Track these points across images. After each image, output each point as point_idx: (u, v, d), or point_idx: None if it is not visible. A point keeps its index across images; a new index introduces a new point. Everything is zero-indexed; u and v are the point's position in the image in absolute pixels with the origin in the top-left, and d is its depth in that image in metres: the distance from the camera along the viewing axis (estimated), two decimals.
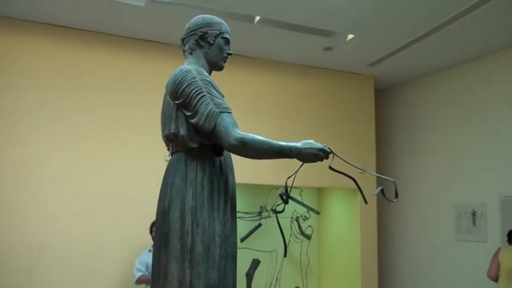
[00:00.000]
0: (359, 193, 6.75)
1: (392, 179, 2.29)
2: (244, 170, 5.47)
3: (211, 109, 2.10)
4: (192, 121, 2.13)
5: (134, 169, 5.23)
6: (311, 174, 6.06)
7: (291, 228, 7.12)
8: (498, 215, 5.44)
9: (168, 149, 2.42)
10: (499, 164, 5.57)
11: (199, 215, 2.11)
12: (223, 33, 2.38)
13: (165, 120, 2.26)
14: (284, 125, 6.01)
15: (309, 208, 2.21)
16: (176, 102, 2.18)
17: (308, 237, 7.14)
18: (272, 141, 2.07)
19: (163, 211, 2.17)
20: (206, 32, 2.34)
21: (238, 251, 6.63)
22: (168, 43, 5.50)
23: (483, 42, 5.56)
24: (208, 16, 2.41)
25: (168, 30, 5.19)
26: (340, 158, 2.17)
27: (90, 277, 4.90)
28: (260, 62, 6.03)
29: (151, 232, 4.79)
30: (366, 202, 2.30)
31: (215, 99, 2.14)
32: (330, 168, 2.19)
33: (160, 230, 2.18)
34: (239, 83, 5.82)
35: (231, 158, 2.33)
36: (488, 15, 4.80)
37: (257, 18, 4.98)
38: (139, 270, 4.65)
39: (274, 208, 2.38)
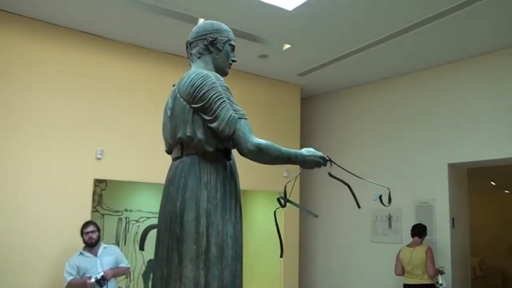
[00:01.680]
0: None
1: (387, 187, 2.45)
2: (166, 170, 5.46)
3: (231, 114, 2.14)
4: (212, 125, 2.15)
5: (65, 168, 4.96)
6: None
7: None
8: (413, 219, 5.93)
9: (167, 152, 2.42)
10: (413, 172, 6.09)
11: (213, 218, 2.14)
12: (231, 40, 2.43)
13: (177, 123, 2.24)
14: None
15: (307, 211, 2.28)
16: (194, 105, 2.18)
17: None
18: (282, 148, 2.17)
19: (174, 213, 2.15)
20: (216, 38, 2.38)
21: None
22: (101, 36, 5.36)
23: (401, 64, 6.16)
24: (216, 23, 2.44)
25: (108, 24, 5.04)
26: (338, 166, 2.32)
27: (17, 282, 4.57)
28: None
29: (82, 234, 4.58)
30: (359, 207, 2.45)
31: (234, 105, 2.19)
32: (330, 174, 2.32)
33: (170, 232, 2.15)
34: (171, 80, 5.76)
35: (235, 162, 2.37)
36: (407, 41, 5.35)
37: (201, 20, 5.00)
38: (70, 274, 4.41)
39: (274, 211, 2.44)
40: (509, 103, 5.40)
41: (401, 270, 5.48)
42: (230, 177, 2.27)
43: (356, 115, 7.05)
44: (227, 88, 2.23)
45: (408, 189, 6.13)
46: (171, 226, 2.15)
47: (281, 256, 2.43)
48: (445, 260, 5.61)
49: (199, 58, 2.38)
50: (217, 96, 2.15)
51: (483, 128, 5.58)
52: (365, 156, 6.74)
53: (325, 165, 2.28)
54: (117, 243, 5.84)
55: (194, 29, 2.45)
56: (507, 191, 12.57)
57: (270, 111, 6.69)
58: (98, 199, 5.98)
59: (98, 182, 5.86)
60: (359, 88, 7.02)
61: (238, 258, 2.22)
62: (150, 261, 5.91)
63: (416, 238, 5.46)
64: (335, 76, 6.70)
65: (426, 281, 5.23)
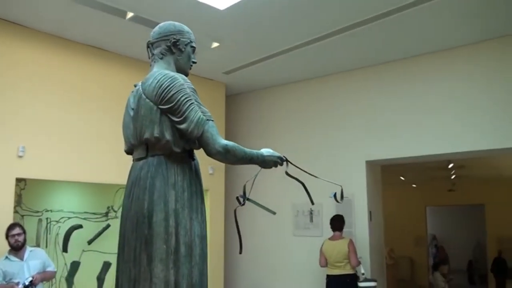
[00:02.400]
0: (209, 193, 6.98)
1: (340, 184, 2.61)
2: (90, 169, 5.33)
3: (200, 116, 2.18)
4: (181, 126, 2.17)
5: None
6: None
7: None
8: (333, 213, 6.19)
9: (127, 152, 2.40)
10: (334, 169, 6.39)
11: (182, 217, 2.17)
12: (192, 42, 2.47)
13: (143, 123, 2.23)
14: None
15: (265, 209, 2.35)
16: (162, 107, 2.18)
17: None
18: (246, 149, 2.26)
19: (141, 215, 2.15)
20: (179, 39, 2.40)
21: (86, 254, 6.33)
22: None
23: (322, 66, 6.48)
24: (178, 24, 2.46)
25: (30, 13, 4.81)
26: (294, 165, 2.46)
27: None
28: (122, 59, 5.92)
29: (7, 237, 4.34)
30: (312, 203, 2.59)
31: (202, 107, 2.23)
32: (287, 173, 2.45)
33: (137, 233, 2.15)
34: (95, 75, 5.65)
35: (198, 163, 2.41)
36: (327, 46, 5.64)
37: (130, 14, 4.90)
38: None
39: (234, 209, 2.51)
40: (418, 105, 5.88)
41: (324, 262, 5.75)
42: (195, 177, 2.32)
43: (278, 113, 7.25)
44: (194, 90, 2.27)
45: (329, 185, 6.41)
46: (138, 227, 2.15)
47: (240, 253, 2.52)
48: (364, 250, 5.97)
49: (161, 58, 2.39)
50: (185, 98, 2.18)
51: (395, 128, 6.03)
52: (287, 153, 6.93)
53: (281, 164, 2.41)
54: (38, 245, 5.58)
55: (156, 29, 2.45)
56: (414, 185, 13.55)
57: None
58: (17, 199, 5.66)
59: (17, 181, 5.56)
60: (283, 87, 7.23)
61: (204, 256, 2.27)
62: (73, 263, 5.71)
63: (337, 232, 5.75)
64: (259, 76, 6.85)
65: (348, 271, 5.55)
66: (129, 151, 2.41)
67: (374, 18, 4.93)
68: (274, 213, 2.63)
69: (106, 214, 6.43)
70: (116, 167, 5.48)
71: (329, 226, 5.91)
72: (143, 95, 2.25)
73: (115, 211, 6.58)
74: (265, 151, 2.37)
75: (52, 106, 5.18)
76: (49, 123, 5.12)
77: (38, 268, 4.39)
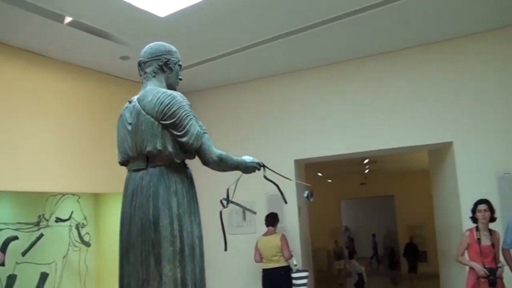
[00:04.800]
0: None
1: (309, 185, 2.91)
2: (21, 177, 5.20)
3: (198, 130, 2.42)
4: (183, 139, 2.38)
5: None
6: (84, 180, 5.85)
7: (69, 236, 6.88)
8: (266, 210, 6.55)
9: (122, 163, 2.56)
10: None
11: (184, 221, 2.40)
12: (180, 61, 2.69)
13: (145, 137, 2.40)
14: (72, 127, 5.88)
15: (247, 209, 2.54)
16: (163, 122, 2.37)
17: (87, 244, 7.05)
18: (234, 158, 2.54)
19: (146, 220, 2.34)
20: (169, 59, 2.61)
21: (21, 266, 6.11)
22: None
23: (255, 70, 6.79)
24: (167, 45, 2.67)
25: None
26: (271, 170, 2.80)
27: None
28: (59, 64, 5.86)
29: None
30: (286, 202, 2.88)
31: (198, 121, 2.46)
32: (265, 177, 2.80)
33: (142, 237, 2.33)
34: (37, 82, 5.53)
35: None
36: (259, 51, 5.98)
37: (68, 18, 4.86)
38: None
39: (220, 211, 2.75)
40: (341, 108, 6.40)
41: (259, 257, 6.07)
42: (191, 184, 2.55)
43: (214, 114, 7.40)
44: (190, 105, 2.47)
45: (260, 183, 6.73)
46: (143, 232, 2.33)
47: (225, 250, 2.85)
48: (295, 243, 6.39)
49: (154, 77, 2.58)
50: (185, 114, 2.40)
51: (321, 129, 6.53)
52: (223, 148, 7.18)
53: (259, 169, 2.70)
54: None
55: (147, 49, 2.65)
56: (329, 181, 14.36)
57: None
58: None
59: None
60: (218, 89, 7.42)
61: (203, 255, 2.54)
62: (9, 277, 5.50)
63: (270, 228, 6.11)
64: (195, 78, 6.97)
65: (282, 263, 5.92)
66: (123, 163, 2.57)
67: (309, 27, 5.33)
68: (254, 213, 2.90)
69: (38, 223, 6.24)
70: (46, 174, 5.39)
71: (262, 222, 6.23)
72: (142, 111, 2.42)
73: (46, 220, 6.40)
74: (247, 158, 2.66)
75: None
76: None
77: None
